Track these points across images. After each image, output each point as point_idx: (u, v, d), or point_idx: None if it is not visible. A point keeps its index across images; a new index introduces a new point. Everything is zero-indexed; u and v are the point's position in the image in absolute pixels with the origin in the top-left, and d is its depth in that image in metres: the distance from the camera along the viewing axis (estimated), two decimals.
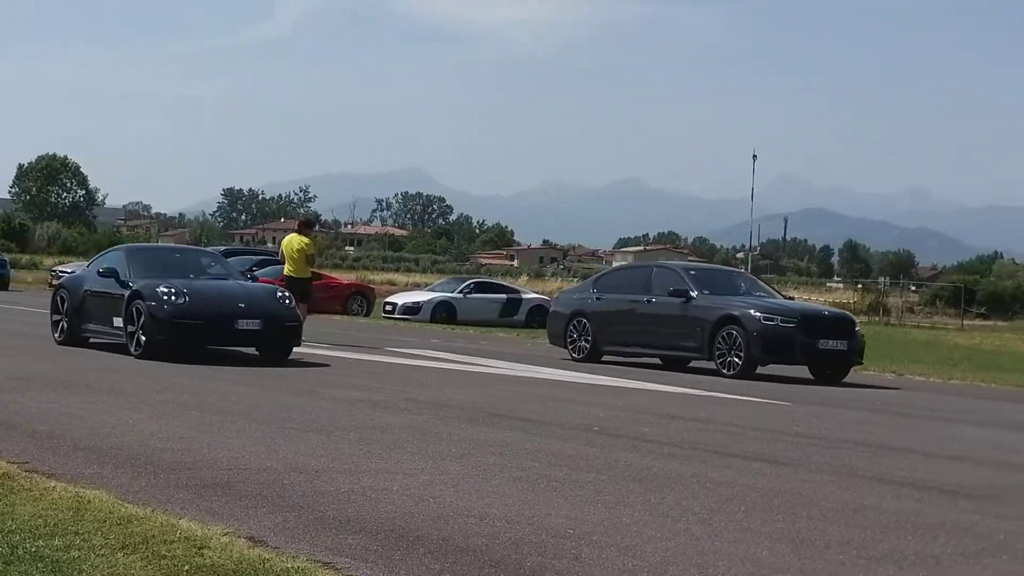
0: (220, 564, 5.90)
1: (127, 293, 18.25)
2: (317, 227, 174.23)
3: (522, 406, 14.19)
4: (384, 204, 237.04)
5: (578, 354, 22.72)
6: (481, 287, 41.88)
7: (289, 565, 5.95)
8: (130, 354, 17.97)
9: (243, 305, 18.26)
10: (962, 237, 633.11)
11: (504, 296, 41.11)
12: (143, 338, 17.75)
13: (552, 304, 25.82)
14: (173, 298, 17.76)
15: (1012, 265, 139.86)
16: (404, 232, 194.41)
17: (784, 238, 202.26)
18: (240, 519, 7.08)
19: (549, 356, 23.94)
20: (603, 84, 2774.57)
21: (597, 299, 23.00)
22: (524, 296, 42.04)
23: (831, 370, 20.54)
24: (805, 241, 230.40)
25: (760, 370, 20.42)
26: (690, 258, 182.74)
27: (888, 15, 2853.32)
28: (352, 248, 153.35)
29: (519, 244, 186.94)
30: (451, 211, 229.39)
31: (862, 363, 21.32)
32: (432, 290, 43.25)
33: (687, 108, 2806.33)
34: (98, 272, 19.40)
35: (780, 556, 6.72)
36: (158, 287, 17.92)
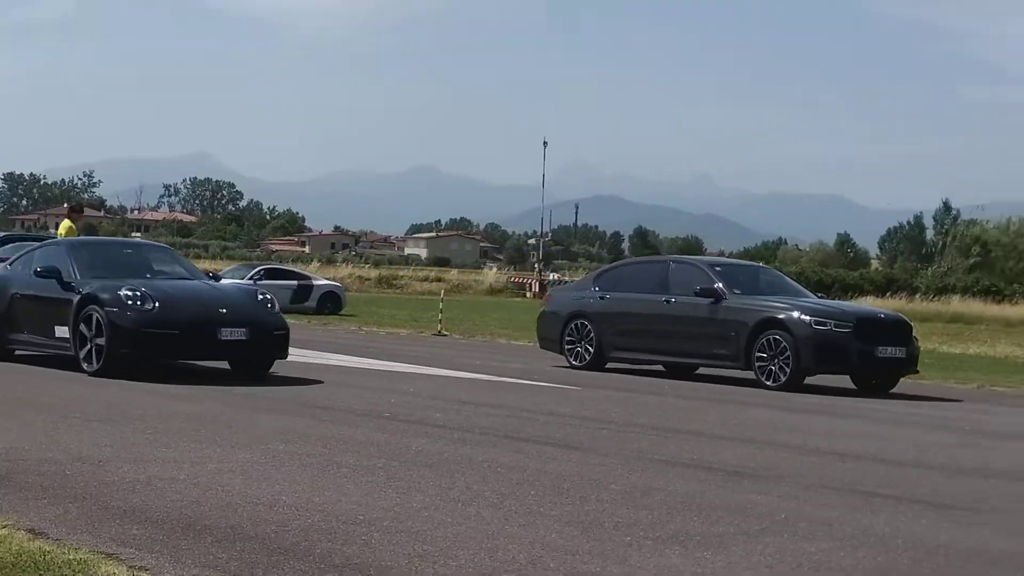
0: None
1: (76, 297, 15.27)
2: (102, 212, 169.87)
3: (310, 393, 14.10)
4: (172, 190, 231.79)
5: (578, 361, 19.99)
6: (272, 273, 41.35)
7: (71, 557, 5.80)
8: (81, 370, 15.03)
9: (224, 311, 15.30)
10: (747, 223, 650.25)
11: (295, 283, 40.70)
12: (101, 351, 14.81)
13: (545, 303, 22.30)
14: (140, 303, 14.84)
15: (796, 251, 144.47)
16: (193, 218, 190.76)
17: (575, 224, 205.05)
18: (20, 511, 6.87)
19: (342, 342, 23.74)
20: (401, 71, 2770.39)
21: (601, 298, 20.17)
22: (315, 283, 41.72)
23: (883, 379, 18.34)
24: (596, 227, 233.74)
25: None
26: (482, 244, 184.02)
27: (665, 2, 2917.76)
28: (139, 234, 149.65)
29: (310, 230, 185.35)
30: (241, 197, 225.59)
31: (918, 371, 18.95)
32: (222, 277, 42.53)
33: (481, 96, 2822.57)
34: (35, 272, 16.14)
35: (569, 539, 6.80)
36: (120, 290, 14.96)
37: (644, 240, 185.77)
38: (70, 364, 15.40)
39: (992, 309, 57.38)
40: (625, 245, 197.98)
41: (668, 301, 19.11)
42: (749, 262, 24.10)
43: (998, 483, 9.82)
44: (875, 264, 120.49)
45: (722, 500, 8.24)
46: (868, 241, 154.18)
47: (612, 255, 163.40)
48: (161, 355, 15.48)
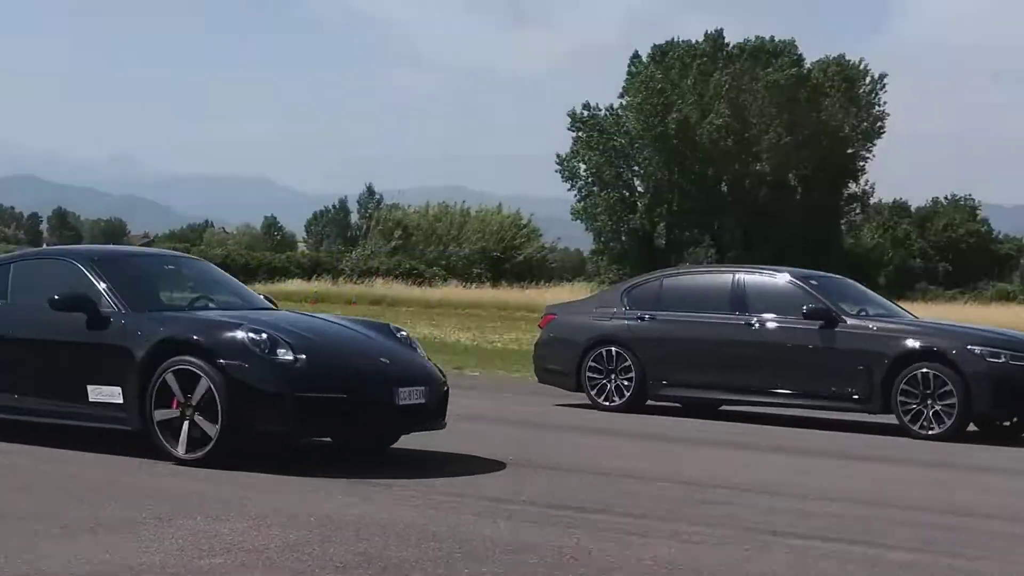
0: None
1: (145, 342, 9.97)
2: None
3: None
4: None
5: (608, 400, 15.70)
6: None
7: None
8: (162, 456, 9.72)
9: (387, 361, 10.42)
10: (173, 204, 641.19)
11: None
12: (213, 427, 9.55)
13: (548, 328, 17.03)
14: (274, 352, 9.75)
15: (223, 233, 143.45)
16: None
17: None
18: None
19: None
20: None
21: (642, 320, 15.93)
22: None
23: None
24: (12, 208, 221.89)
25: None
26: None
27: None
28: None
29: None
30: None
31: None
32: None
33: None
34: (52, 302, 10.45)
35: None
36: (235, 331, 9.83)
37: (64, 221, 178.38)
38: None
39: (415, 292, 59.19)
40: (44, 227, 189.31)
41: (753, 325, 15.21)
42: (835, 275, 17.69)
43: None
44: (301, 247, 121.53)
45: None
46: (295, 224, 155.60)
47: (29, 237, 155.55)
48: (316, 431, 10.35)
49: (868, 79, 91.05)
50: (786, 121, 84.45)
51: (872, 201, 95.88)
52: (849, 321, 14.67)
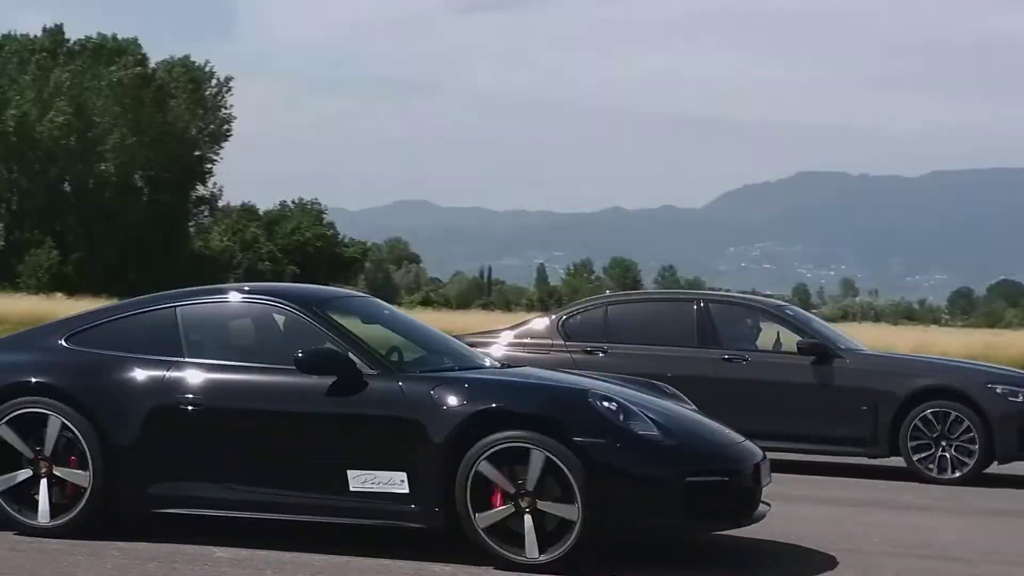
0: None
1: (452, 414, 7.63)
2: None
3: None
4: None
5: None
6: None
7: None
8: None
9: (737, 435, 8.56)
10: None
11: None
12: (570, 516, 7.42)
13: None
14: (641, 424, 7.78)
15: None
16: None
17: None
18: None
19: None
20: None
21: (590, 353, 13.65)
22: None
23: None
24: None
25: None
26: None
27: None
28: None
29: None
30: None
31: None
32: None
33: None
34: (299, 362, 7.91)
35: None
36: (587, 398, 7.79)
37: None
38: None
39: None
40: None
41: (733, 360, 13.54)
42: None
43: None
44: None
45: None
46: None
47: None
48: (707, 523, 8.08)
49: (214, 81, 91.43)
50: (131, 121, 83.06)
51: (221, 203, 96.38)
52: (847, 357, 13.38)
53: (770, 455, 8.54)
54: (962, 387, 12.98)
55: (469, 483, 7.47)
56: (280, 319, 8.48)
